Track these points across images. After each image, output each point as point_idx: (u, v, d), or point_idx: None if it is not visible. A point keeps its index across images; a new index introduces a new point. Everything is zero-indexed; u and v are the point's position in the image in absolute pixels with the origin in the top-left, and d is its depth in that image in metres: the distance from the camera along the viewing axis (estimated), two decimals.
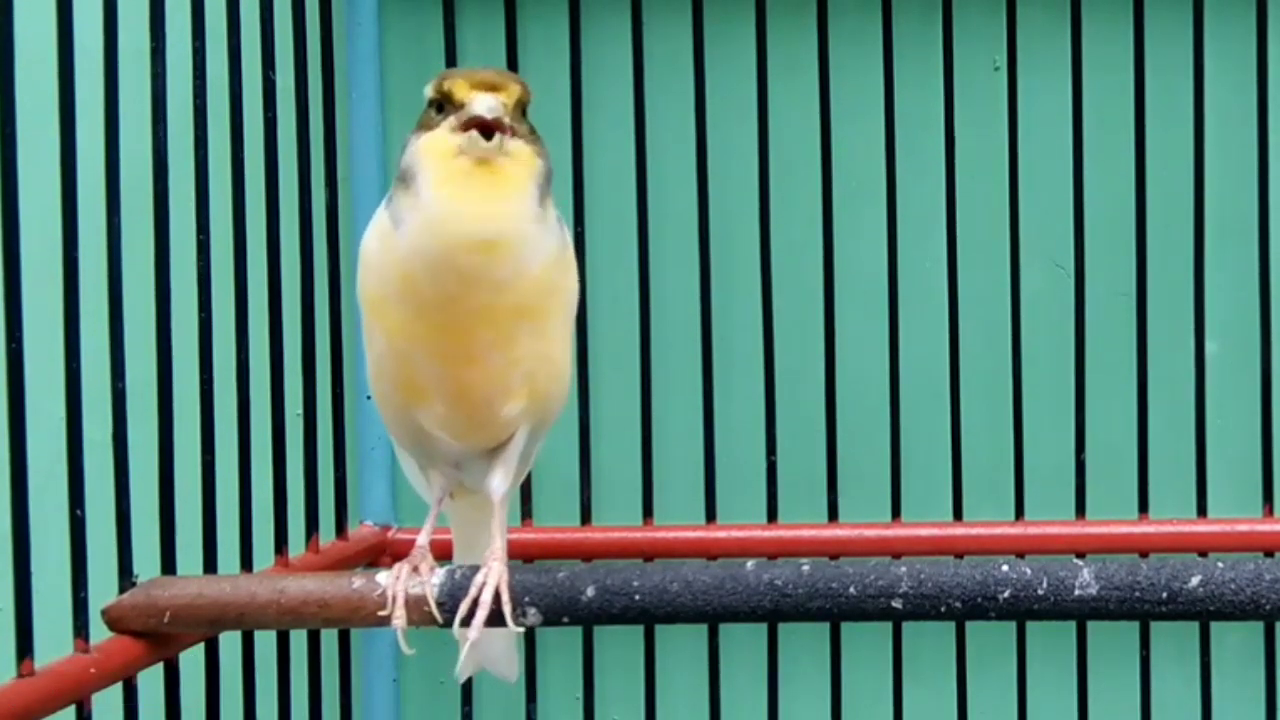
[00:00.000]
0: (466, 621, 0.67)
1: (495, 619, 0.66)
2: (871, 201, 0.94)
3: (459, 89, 0.64)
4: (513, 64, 0.94)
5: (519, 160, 0.64)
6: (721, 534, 0.92)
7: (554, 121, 0.93)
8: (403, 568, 0.68)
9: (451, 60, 0.94)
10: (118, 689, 0.67)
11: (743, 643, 0.94)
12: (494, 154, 0.63)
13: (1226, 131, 0.94)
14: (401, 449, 0.75)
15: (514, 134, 0.64)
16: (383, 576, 0.68)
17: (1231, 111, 0.94)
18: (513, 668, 0.83)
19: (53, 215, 0.63)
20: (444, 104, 0.64)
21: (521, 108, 0.65)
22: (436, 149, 0.63)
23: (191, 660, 0.72)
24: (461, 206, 0.63)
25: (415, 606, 0.67)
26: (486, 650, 0.79)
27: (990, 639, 0.94)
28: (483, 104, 0.63)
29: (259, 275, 0.79)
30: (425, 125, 0.65)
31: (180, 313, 0.71)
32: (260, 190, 0.80)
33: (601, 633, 0.94)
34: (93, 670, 0.64)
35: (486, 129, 0.62)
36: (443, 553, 0.73)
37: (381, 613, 0.67)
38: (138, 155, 0.70)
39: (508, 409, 0.67)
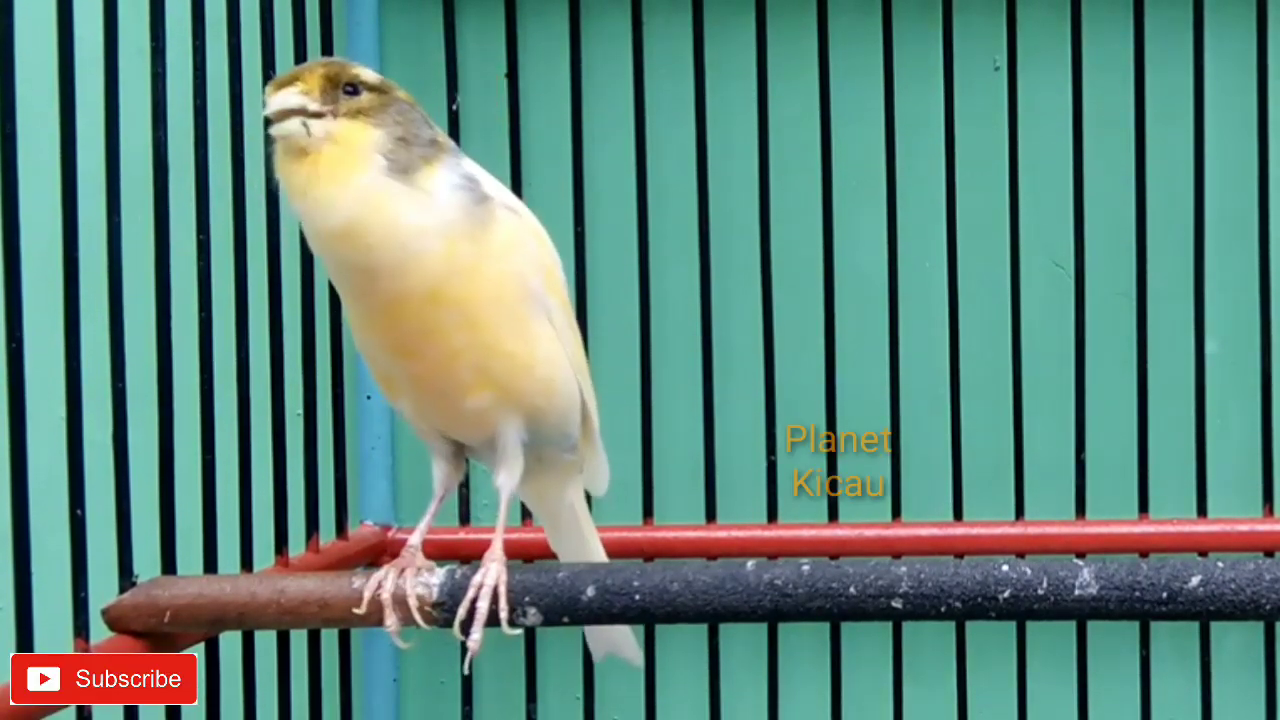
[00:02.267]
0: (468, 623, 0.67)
1: (495, 619, 0.66)
2: (871, 201, 0.94)
3: (268, 93, 0.63)
4: (513, 64, 0.94)
5: (345, 139, 0.61)
6: (721, 534, 0.92)
7: (554, 122, 0.94)
8: (388, 572, 0.67)
9: (451, 60, 0.94)
10: None
11: (743, 643, 0.94)
12: (301, 140, 0.61)
13: (1226, 131, 0.94)
14: None
15: (334, 115, 0.62)
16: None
17: (1231, 111, 0.94)
18: (637, 653, 0.82)
19: (53, 215, 0.63)
20: None
21: (340, 85, 0.62)
22: (275, 152, 0.63)
23: None
24: (305, 199, 0.62)
25: (403, 607, 0.67)
26: (613, 635, 0.80)
27: (990, 639, 0.94)
28: (270, 106, 0.62)
29: (259, 275, 0.79)
30: None
31: (180, 313, 0.71)
32: (260, 190, 0.80)
33: None
34: None
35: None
36: (436, 552, 0.73)
37: (357, 610, 0.66)
38: (138, 154, 0.69)
39: (470, 402, 0.65)
